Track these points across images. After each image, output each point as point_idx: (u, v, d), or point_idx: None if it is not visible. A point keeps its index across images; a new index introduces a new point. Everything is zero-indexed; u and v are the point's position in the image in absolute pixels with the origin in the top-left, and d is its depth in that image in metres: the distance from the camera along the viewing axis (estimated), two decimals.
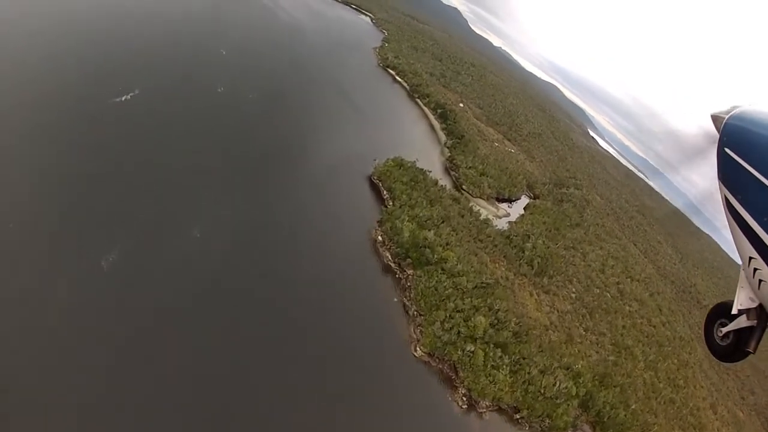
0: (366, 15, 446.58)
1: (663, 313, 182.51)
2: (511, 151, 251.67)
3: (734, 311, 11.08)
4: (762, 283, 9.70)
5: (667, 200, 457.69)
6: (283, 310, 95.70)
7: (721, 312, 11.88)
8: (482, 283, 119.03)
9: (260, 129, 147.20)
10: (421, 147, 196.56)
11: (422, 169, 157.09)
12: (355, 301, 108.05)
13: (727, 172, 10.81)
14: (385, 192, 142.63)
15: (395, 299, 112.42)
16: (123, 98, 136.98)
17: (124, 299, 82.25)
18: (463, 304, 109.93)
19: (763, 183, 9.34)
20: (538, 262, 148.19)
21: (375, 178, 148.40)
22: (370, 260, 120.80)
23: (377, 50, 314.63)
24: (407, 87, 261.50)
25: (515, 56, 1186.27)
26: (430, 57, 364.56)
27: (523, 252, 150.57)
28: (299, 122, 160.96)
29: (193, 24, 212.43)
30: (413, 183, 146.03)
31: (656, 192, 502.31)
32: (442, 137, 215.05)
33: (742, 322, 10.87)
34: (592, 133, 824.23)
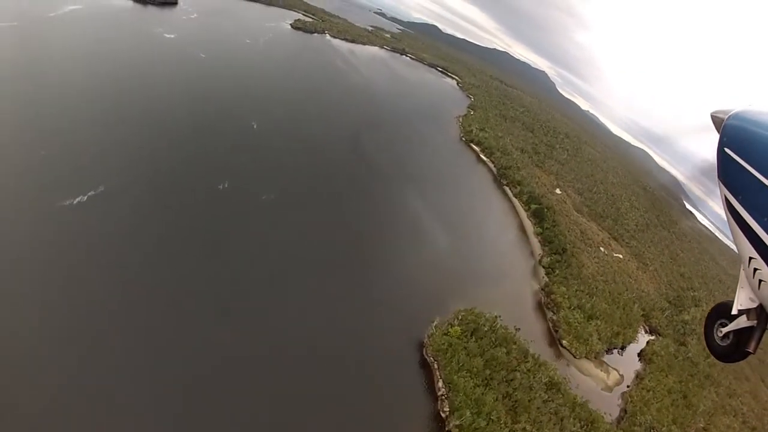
0: (452, 78, 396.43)
1: None
2: (619, 258, 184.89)
3: (734, 311, 10.43)
4: (762, 283, 9.17)
5: None
6: None
7: (721, 312, 11.12)
8: None
9: (261, 254, 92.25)
10: (508, 267, 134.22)
11: (505, 331, 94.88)
12: None
13: (727, 173, 10.21)
14: (440, 385, 79.91)
15: None
16: (75, 200, 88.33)
17: None
18: None
19: (763, 183, 8.86)
20: None
21: (429, 353, 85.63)
22: None
23: (460, 120, 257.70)
24: (494, 169, 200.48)
25: (603, 119, 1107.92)
26: (520, 127, 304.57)
27: None
28: (327, 239, 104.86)
29: (236, 87, 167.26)
30: (490, 369, 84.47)
31: None
32: (537, 247, 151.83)
33: (742, 322, 10.26)
34: (688, 206, 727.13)
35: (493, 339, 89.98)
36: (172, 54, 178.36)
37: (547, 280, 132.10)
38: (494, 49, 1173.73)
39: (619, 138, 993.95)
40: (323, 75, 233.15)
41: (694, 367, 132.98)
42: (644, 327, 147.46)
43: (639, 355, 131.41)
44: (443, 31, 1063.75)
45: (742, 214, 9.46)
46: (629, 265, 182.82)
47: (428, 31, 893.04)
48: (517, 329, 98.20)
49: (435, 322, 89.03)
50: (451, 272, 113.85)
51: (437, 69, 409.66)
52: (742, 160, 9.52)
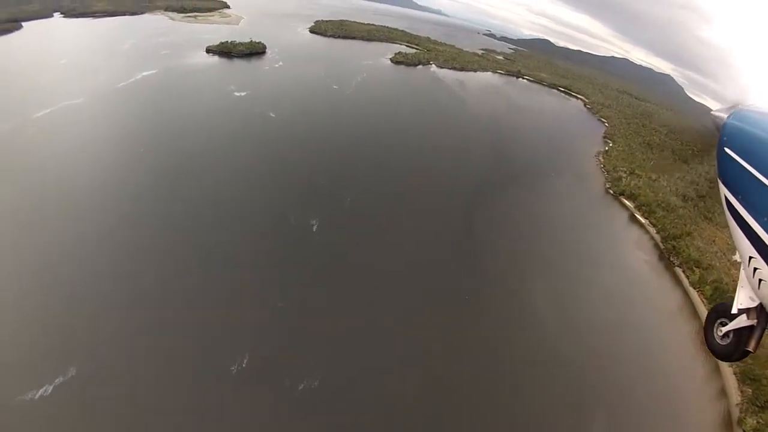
0: (578, 98, 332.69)
1: None
2: None
3: (734, 311, 10.28)
4: (762, 282, 9.00)
5: None
6: None
7: (722, 311, 11.03)
8: None
9: None
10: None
11: None
12: None
13: (727, 172, 10.18)
14: None
15: None
16: (38, 393, 54.91)
17: None
18: None
19: (763, 183, 8.75)
20: None
21: None
22: None
23: (601, 158, 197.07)
24: (656, 237, 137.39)
25: None
26: (671, 158, 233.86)
27: None
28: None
29: (301, 159, 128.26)
30: None
31: None
32: (731, 387, 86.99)
33: (742, 321, 10.08)
34: None
35: None
36: (235, 117, 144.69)
37: None
38: (612, 57, 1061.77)
39: None
40: (422, 120, 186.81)
41: None
42: None
43: None
44: (556, 44, 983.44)
45: (742, 214, 9.27)
46: None
47: (541, 46, 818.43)
48: None
49: None
50: None
51: (559, 89, 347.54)
52: (742, 160, 9.32)
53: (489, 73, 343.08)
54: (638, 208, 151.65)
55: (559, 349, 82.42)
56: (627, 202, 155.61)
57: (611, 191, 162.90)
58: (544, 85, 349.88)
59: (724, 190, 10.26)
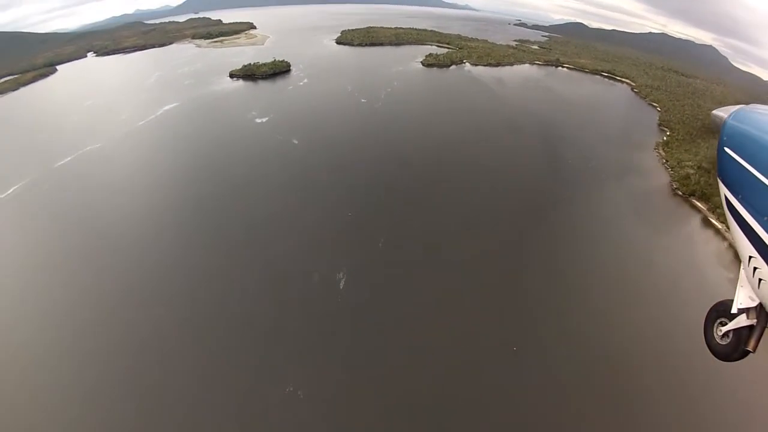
0: (623, 82, 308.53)
1: None
2: None
3: (734, 310, 10.01)
4: (762, 282, 8.87)
5: None
6: None
7: (721, 311, 10.62)
8: None
9: None
10: None
11: None
12: None
13: (727, 172, 10.00)
14: None
15: None
16: None
17: None
18: None
19: (763, 183, 8.61)
20: None
21: None
22: None
23: (662, 151, 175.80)
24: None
25: None
26: None
27: None
28: None
29: (328, 201, 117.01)
30: None
31: None
32: None
33: (741, 321, 9.88)
34: None
35: None
36: (255, 148, 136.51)
37: None
38: (649, 33, 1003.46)
39: None
40: (459, 128, 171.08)
41: None
42: None
43: None
44: (589, 26, 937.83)
45: (742, 213, 9.20)
46: None
47: (575, 30, 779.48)
48: None
49: None
50: None
51: (602, 75, 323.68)
52: (742, 160, 9.22)
53: (526, 65, 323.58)
54: (712, 210, 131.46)
55: (628, 381, 67.96)
56: (699, 204, 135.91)
57: (679, 192, 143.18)
58: (585, 72, 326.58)
59: (724, 190, 10.05)
